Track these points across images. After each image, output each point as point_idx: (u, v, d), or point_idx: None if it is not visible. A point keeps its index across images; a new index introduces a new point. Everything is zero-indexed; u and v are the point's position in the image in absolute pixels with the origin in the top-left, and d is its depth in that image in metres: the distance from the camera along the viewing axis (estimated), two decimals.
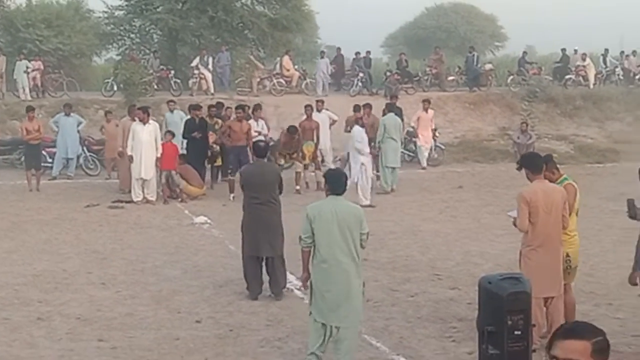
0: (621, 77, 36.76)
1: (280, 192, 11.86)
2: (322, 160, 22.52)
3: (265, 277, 11.72)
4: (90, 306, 11.23)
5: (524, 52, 38.48)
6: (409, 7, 62.60)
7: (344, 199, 8.50)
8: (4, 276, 12.83)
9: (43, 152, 22.79)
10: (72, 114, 24.27)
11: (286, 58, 33.70)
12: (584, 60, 36.11)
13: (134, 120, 20.23)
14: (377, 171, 21.08)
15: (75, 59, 36.62)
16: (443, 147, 27.28)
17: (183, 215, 18.50)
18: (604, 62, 38.25)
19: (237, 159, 19.90)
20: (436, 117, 26.38)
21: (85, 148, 24.69)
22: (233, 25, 37.16)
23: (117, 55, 38.70)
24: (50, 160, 23.88)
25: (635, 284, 8.97)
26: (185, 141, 21.39)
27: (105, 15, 38.66)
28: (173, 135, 20.60)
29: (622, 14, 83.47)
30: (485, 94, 33.70)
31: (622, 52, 38.84)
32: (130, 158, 19.74)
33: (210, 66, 32.46)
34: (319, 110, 22.95)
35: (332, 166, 20.45)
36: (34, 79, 30.61)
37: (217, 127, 21.81)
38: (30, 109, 22.50)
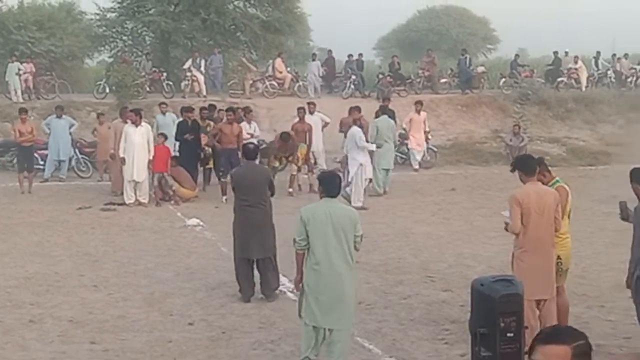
0: (613, 80, 36.88)
1: (272, 194, 11.87)
2: (315, 163, 22.51)
3: (257, 279, 11.71)
4: (82, 309, 11.21)
5: (516, 55, 38.56)
6: (401, 9, 62.71)
7: (338, 202, 8.50)
8: None
9: (35, 155, 22.72)
10: (63, 116, 24.19)
11: (279, 60, 33.72)
12: (576, 63, 36.20)
13: (126, 122, 20.21)
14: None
15: (67, 61, 36.51)
16: (435, 149, 27.31)
17: (175, 217, 18.48)
18: (596, 64, 38.37)
19: (228, 161, 19.89)
20: (429, 120, 26.37)
21: (77, 150, 24.63)
22: (225, 27, 37.12)
23: (109, 57, 38.62)
24: (42, 162, 23.81)
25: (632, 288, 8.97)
26: (177, 143, 21.37)
27: (98, 17, 38.57)
28: (165, 137, 20.58)
29: (614, 17, 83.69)
30: (478, 97, 33.76)
31: (614, 54, 38.97)
32: (123, 160, 19.71)
33: (202, 68, 32.45)
34: (311, 113, 22.94)
35: (326, 168, 20.43)
36: (26, 81, 30.55)
37: (209, 129, 21.78)
38: (23, 111, 22.45)
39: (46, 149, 23.79)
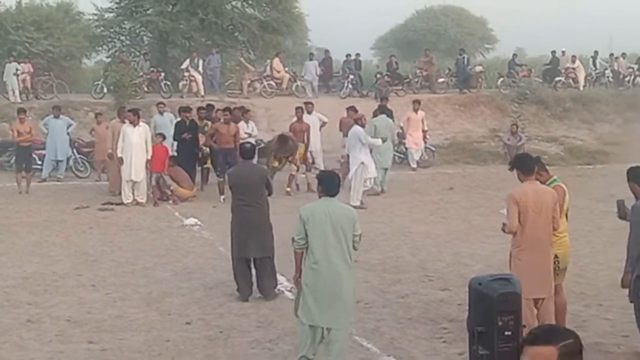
0: (611, 79, 36.90)
1: (270, 194, 11.87)
2: (313, 162, 22.52)
3: (254, 278, 11.72)
4: (80, 308, 11.20)
5: (514, 55, 38.60)
6: (399, 9, 62.68)
7: (337, 201, 8.50)
8: None
9: (33, 155, 22.72)
10: (61, 116, 24.21)
11: (276, 60, 33.71)
12: (573, 62, 36.22)
13: (124, 122, 20.22)
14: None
15: (65, 61, 36.50)
16: (433, 148, 27.32)
17: (173, 217, 18.47)
18: (594, 64, 38.40)
19: (225, 161, 19.93)
20: (427, 119, 26.36)
21: (75, 150, 24.64)
22: (223, 27, 37.14)
23: (107, 57, 38.63)
24: (39, 162, 23.81)
25: (628, 287, 8.98)
26: (175, 143, 21.37)
27: (95, 17, 38.61)
28: (164, 137, 20.59)
29: (611, 16, 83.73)
30: (476, 96, 33.77)
31: (612, 54, 38.98)
32: (120, 160, 19.71)
33: (200, 68, 32.43)
34: (309, 112, 22.94)
35: (324, 167, 20.43)
36: (24, 81, 30.55)
37: (206, 129, 21.79)
38: (21, 111, 22.48)
39: (44, 149, 23.80)
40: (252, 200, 11.54)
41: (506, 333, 7.13)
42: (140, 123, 19.99)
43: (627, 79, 36.85)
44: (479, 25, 60.84)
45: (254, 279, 11.72)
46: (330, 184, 8.43)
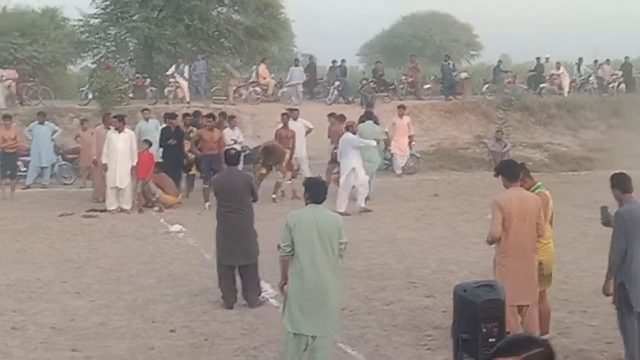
0: (595, 86, 37.03)
1: (255, 200, 11.86)
2: (298, 169, 22.50)
3: (239, 286, 11.70)
4: (65, 315, 11.17)
5: (499, 61, 38.66)
6: (384, 15, 62.81)
7: (324, 208, 8.50)
8: None
9: (18, 161, 22.62)
10: (46, 122, 24.12)
11: (262, 66, 33.69)
12: (558, 68, 36.34)
13: (108, 128, 20.17)
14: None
15: (50, 67, 36.34)
16: (419, 155, 27.35)
17: (158, 223, 18.43)
18: (578, 70, 38.54)
19: (209, 167, 19.92)
20: (412, 125, 26.37)
21: (60, 156, 24.56)
22: (209, 33, 37.11)
23: (93, 63, 38.45)
24: (24, 169, 23.71)
25: (610, 294, 9.01)
26: (161, 150, 21.33)
27: (81, 23, 38.45)
28: (150, 144, 20.52)
29: (595, 23, 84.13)
30: (461, 103, 33.83)
31: (596, 60, 39.14)
32: (105, 166, 19.66)
33: (186, 74, 32.37)
34: (294, 119, 22.93)
35: (309, 174, 20.41)
36: (9, 87, 30.39)
37: (192, 135, 21.76)
38: (6, 117, 22.42)
39: (28, 155, 23.70)
40: (236, 207, 11.54)
41: (490, 340, 7.16)
42: (126, 129, 19.95)
43: (611, 85, 37.00)
44: (464, 31, 61.01)
45: (238, 286, 11.70)
46: (316, 191, 8.43)
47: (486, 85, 35.08)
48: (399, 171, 25.85)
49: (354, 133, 19.80)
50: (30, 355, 9.57)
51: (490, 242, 9.07)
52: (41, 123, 23.85)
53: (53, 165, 24.30)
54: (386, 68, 38.56)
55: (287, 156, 21.38)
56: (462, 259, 14.47)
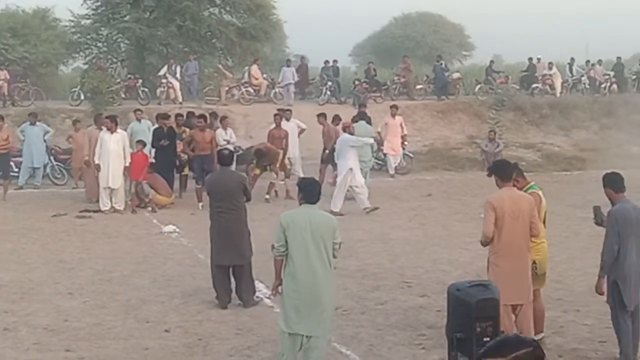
0: (587, 86, 37.09)
1: (248, 200, 11.86)
2: (290, 169, 22.48)
3: (233, 286, 11.69)
4: (58, 316, 11.14)
5: (491, 61, 38.70)
6: (377, 16, 62.82)
7: (318, 208, 8.49)
8: None
9: (10, 162, 22.56)
10: (37, 123, 24.05)
11: (254, 67, 33.67)
12: (550, 69, 36.41)
13: (101, 129, 20.14)
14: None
15: (42, 68, 36.23)
16: (412, 155, 27.35)
17: (151, 224, 18.40)
18: (570, 71, 38.58)
19: (201, 167, 19.91)
20: (404, 125, 26.38)
21: (52, 157, 24.51)
22: (201, 34, 37.05)
23: (84, 64, 38.35)
24: (16, 169, 23.65)
25: (602, 293, 9.03)
26: (153, 150, 21.29)
27: (72, 24, 38.34)
28: (144, 145, 20.48)
29: (587, 23, 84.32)
30: (454, 103, 33.86)
31: (588, 61, 39.23)
32: (97, 167, 19.63)
33: (178, 75, 32.35)
34: (287, 119, 22.92)
35: (302, 174, 20.40)
36: (0, 88, 30.33)
37: (184, 136, 21.73)
38: None
39: (20, 156, 23.64)
40: (229, 207, 11.52)
41: (485, 339, 7.15)
42: (118, 130, 19.91)
43: (603, 85, 37.07)
44: (457, 32, 61.01)
45: (232, 286, 11.69)
46: (310, 191, 8.42)
47: (479, 86, 35.13)
48: (392, 171, 25.85)
49: (352, 134, 19.81)
50: (22, 357, 9.55)
51: (484, 244, 9.06)
52: (33, 124, 23.78)
53: (45, 166, 24.25)
54: (378, 68, 38.56)
55: (279, 156, 21.37)
56: (456, 259, 14.48)
